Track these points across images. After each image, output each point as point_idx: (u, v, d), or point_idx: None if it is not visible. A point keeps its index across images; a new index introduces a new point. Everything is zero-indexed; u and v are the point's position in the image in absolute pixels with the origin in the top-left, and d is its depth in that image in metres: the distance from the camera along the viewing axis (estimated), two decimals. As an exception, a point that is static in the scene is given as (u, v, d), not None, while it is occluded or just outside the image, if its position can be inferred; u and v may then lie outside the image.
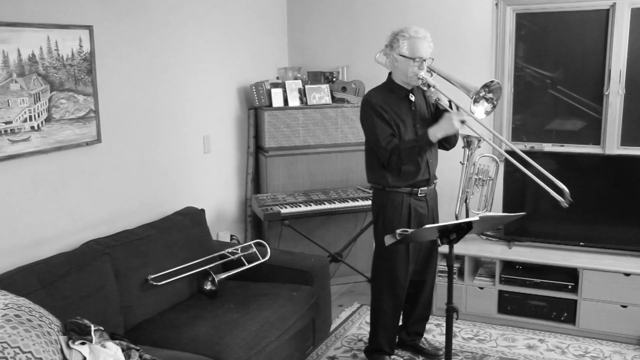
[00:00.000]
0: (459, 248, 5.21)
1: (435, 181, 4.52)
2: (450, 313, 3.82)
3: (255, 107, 6.13)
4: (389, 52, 4.34)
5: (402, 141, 4.24)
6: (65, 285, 3.70)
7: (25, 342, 2.91)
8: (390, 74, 4.43)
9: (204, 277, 4.54)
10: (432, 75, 4.34)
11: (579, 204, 5.36)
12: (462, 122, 4.13)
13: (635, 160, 5.26)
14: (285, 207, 5.58)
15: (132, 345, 3.51)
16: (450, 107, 4.25)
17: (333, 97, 6.19)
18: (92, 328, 3.34)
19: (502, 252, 5.41)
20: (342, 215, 6.08)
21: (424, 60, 4.22)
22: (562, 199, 3.90)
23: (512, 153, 4.20)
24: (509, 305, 5.35)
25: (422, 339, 4.94)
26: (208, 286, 4.53)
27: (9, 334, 2.89)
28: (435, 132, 4.19)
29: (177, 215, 4.87)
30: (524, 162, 4.12)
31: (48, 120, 3.98)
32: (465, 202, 5.43)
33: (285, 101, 6.03)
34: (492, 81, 4.14)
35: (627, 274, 4.97)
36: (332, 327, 5.28)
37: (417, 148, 4.20)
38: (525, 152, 4.30)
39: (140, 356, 3.45)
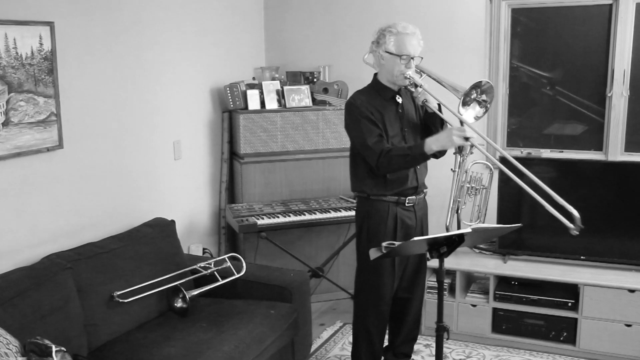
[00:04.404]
0: (450, 262, 5.29)
1: (424, 190, 4.58)
2: (441, 333, 3.88)
3: (229, 110, 6.20)
4: (374, 49, 4.38)
5: (395, 147, 4.26)
6: (24, 302, 3.72)
7: (-19, 363, 2.96)
8: (375, 74, 4.49)
9: (175, 293, 4.58)
10: (421, 76, 4.38)
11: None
12: (466, 138, 4.07)
13: (640, 168, 5.34)
14: (262, 218, 5.64)
15: (97, 367, 3.56)
16: (440, 110, 4.31)
17: (314, 99, 6.25)
18: (54, 349, 3.36)
19: (497, 266, 5.48)
20: (324, 227, 6.14)
21: (412, 58, 4.26)
22: (572, 225, 3.80)
23: (506, 161, 4.23)
24: (504, 324, 5.41)
25: (410, 361, 5.01)
26: (179, 303, 4.57)
27: (-36, 355, 2.94)
28: (431, 144, 4.14)
29: (145, 226, 4.92)
30: (520, 174, 4.04)
31: (5, 124, 4.03)
32: (457, 212, 5.47)
33: (262, 103, 6.10)
34: (481, 81, 4.19)
35: (632, 291, 5.04)
36: (313, 347, 5.34)
37: (410, 157, 4.20)
38: (520, 158, 4.33)
39: (105, 378, 3.50)
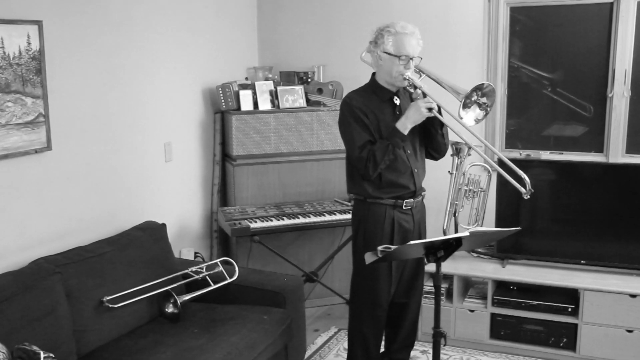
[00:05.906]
0: (448, 267, 5.27)
1: (422, 193, 4.59)
2: (438, 338, 3.89)
3: (221, 111, 6.22)
4: (373, 49, 4.39)
5: (374, 146, 4.29)
6: (11, 307, 3.72)
7: (-32, 369, 2.97)
8: (373, 74, 4.50)
9: (166, 298, 4.60)
10: (420, 76, 4.39)
11: (580, 218, 5.48)
12: (430, 109, 4.20)
13: (642, 170, 5.38)
14: (255, 222, 5.65)
15: (86, 374, 3.57)
16: (440, 112, 4.31)
17: (308, 100, 6.27)
18: (42, 355, 3.36)
19: (495, 271, 5.49)
20: (318, 231, 6.15)
21: (411, 58, 4.27)
22: (524, 190, 3.92)
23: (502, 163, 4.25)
24: (503, 329, 5.43)
25: (407, 368, 5.02)
26: (170, 309, 4.59)
27: (-50, 361, 2.95)
28: (405, 123, 4.25)
29: (135, 230, 4.93)
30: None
31: (-7, 125, 4.06)
32: (454, 215, 5.50)
33: (255, 104, 6.12)
34: (483, 83, 4.21)
35: (633, 296, 5.06)
36: (307, 354, 5.35)
37: (391, 145, 4.25)
38: (519, 160, 4.35)
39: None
